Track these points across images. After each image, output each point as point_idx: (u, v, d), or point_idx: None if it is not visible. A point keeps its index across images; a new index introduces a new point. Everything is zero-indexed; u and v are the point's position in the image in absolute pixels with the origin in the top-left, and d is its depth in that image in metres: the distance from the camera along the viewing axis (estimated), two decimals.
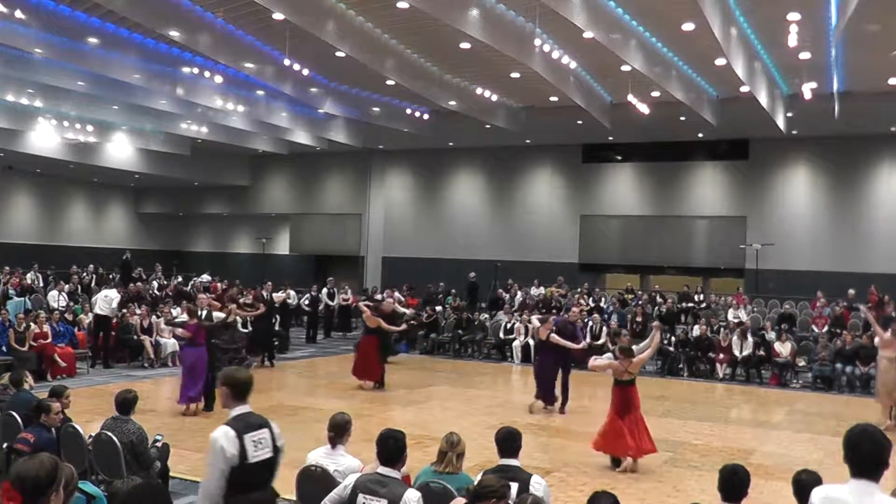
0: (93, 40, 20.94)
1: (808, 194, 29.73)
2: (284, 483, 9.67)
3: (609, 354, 17.76)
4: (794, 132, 27.41)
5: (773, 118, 24.37)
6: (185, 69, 23.49)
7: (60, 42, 20.56)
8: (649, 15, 19.19)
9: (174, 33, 19.84)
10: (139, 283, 26.91)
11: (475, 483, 5.62)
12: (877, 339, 16.79)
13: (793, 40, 18.69)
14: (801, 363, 21.62)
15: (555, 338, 15.94)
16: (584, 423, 14.69)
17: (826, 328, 23.66)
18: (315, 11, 18.95)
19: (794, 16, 17.86)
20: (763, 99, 22.98)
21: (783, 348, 21.39)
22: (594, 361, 13.20)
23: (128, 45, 21.77)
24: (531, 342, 24.26)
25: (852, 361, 20.80)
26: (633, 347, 12.82)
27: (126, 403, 8.46)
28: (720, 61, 20.56)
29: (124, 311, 22.05)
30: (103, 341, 20.76)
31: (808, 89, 21.86)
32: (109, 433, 8.12)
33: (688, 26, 18.87)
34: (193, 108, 26.91)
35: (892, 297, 24.58)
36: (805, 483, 5.66)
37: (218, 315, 15.58)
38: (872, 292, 24.84)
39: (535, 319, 17.58)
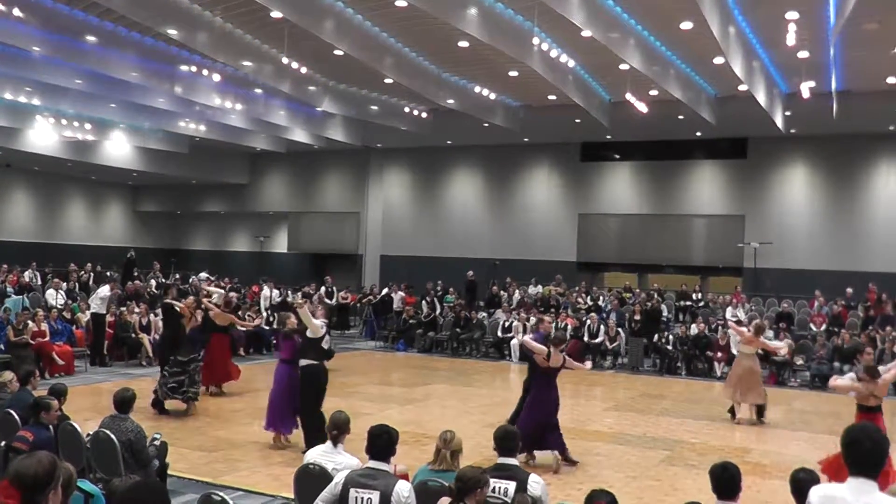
0: (91, 38, 20.91)
1: (806, 193, 29.73)
2: (282, 482, 9.73)
3: (850, 376, 12.33)
4: (793, 131, 27.40)
5: (771, 117, 24.37)
6: (184, 67, 23.49)
7: (58, 40, 20.53)
8: (648, 14, 19.19)
9: (172, 31, 19.83)
10: (137, 282, 26.90)
11: (454, 480, 5.64)
12: (738, 337, 17.25)
13: (791, 39, 18.68)
14: (799, 362, 21.65)
15: (570, 363, 12.04)
16: (581, 421, 14.70)
17: (824, 327, 23.73)
18: (313, 10, 18.94)
19: (792, 14, 17.86)
20: (761, 98, 22.97)
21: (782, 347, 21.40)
22: (835, 381, 10.97)
23: (126, 44, 21.74)
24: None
25: (850, 360, 20.81)
26: (880, 367, 10.84)
27: (124, 402, 8.50)
28: (718, 60, 20.57)
29: (122, 308, 22.07)
30: (95, 339, 20.74)
31: (806, 88, 21.85)
32: (108, 432, 8.13)
33: (686, 25, 18.88)
34: (191, 106, 26.91)
35: (890, 296, 24.63)
36: (803, 482, 5.67)
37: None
38: (871, 291, 24.90)
39: (533, 343, 12.26)
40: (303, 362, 12.08)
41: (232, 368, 17.25)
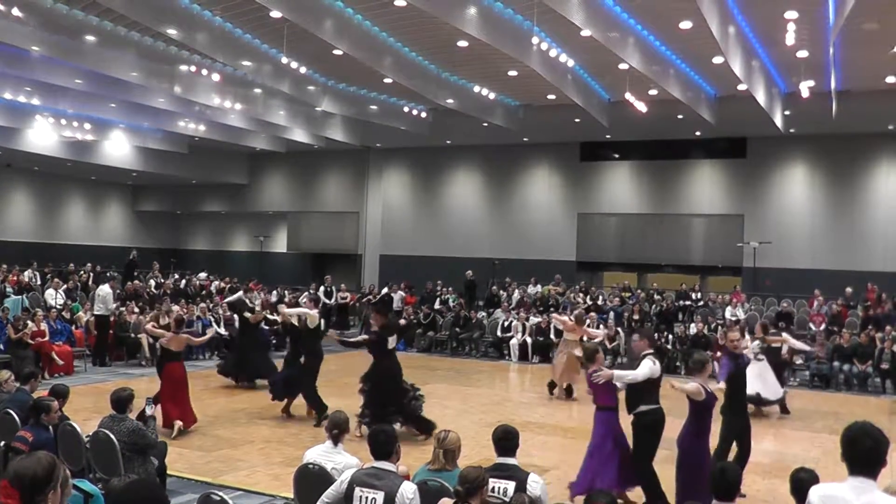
0: (90, 38, 20.91)
1: (805, 192, 29.74)
2: (282, 481, 9.74)
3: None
4: (792, 130, 27.41)
5: (770, 116, 24.37)
6: (183, 67, 23.49)
7: (58, 40, 20.52)
8: (647, 13, 19.19)
9: (172, 31, 19.84)
10: (137, 282, 26.92)
11: (457, 483, 5.68)
12: (560, 325, 18.93)
13: (790, 39, 18.71)
14: (799, 361, 21.62)
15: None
16: (582, 420, 14.69)
17: (823, 326, 23.71)
18: (313, 9, 18.95)
19: (791, 14, 17.88)
20: (761, 97, 22.98)
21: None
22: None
23: (125, 43, 21.75)
24: (528, 340, 24.30)
25: (850, 359, 20.83)
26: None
27: (121, 401, 8.51)
28: (718, 59, 20.57)
29: (122, 309, 22.08)
30: (97, 339, 20.75)
31: (805, 88, 21.86)
32: (107, 431, 8.14)
33: (685, 25, 18.89)
34: (191, 106, 26.89)
35: (889, 295, 24.65)
36: (803, 481, 5.69)
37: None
38: (870, 290, 24.91)
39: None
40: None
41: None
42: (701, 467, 8.43)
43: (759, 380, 15.75)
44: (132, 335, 21.31)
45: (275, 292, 27.46)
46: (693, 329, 23.36)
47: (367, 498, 5.79)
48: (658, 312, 25.60)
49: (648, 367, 9.48)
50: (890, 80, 22.93)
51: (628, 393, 9.63)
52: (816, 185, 29.57)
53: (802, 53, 20.51)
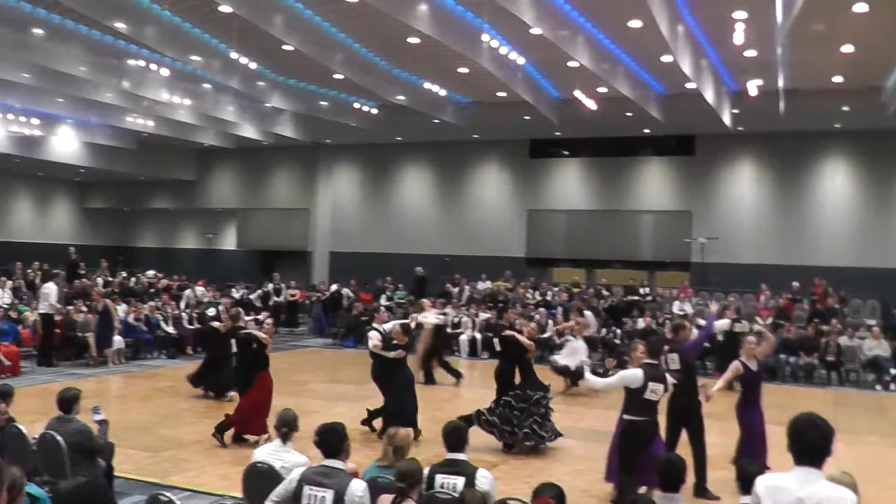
0: (38, 32, 20.61)
1: (753, 189, 30.12)
2: (230, 481, 9.68)
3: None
4: (740, 128, 27.73)
5: (719, 114, 24.65)
6: (132, 62, 23.21)
7: (4, 33, 20.15)
8: (597, 12, 19.31)
9: (120, 25, 19.60)
10: (84, 280, 26.55)
11: (395, 478, 5.73)
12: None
13: (739, 38, 18.90)
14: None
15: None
16: None
17: (770, 320, 24.02)
18: (262, 4, 18.84)
19: (740, 14, 18.07)
20: (709, 95, 23.22)
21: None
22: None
23: (73, 37, 21.46)
24: (478, 336, 24.36)
25: (796, 352, 21.20)
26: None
27: (67, 402, 8.36)
28: (667, 58, 20.74)
29: (69, 307, 21.78)
30: (42, 339, 20.44)
31: (753, 86, 22.13)
32: (54, 433, 8.03)
33: (635, 23, 19.02)
34: (140, 101, 26.54)
35: (836, 290, 25.08)
36: (749, 472, 5.77)
37: None
38: (817, 284, 25.33)
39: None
40: None
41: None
42: (752, 431, 10.69)
43: (574, 356, 17.79)
44: (79, 334, 21.01)
45: (234, 291, 27.19)
46: (641, 324, 23.58)
47: (316, 496, 5.78)
48: (607, 308, 25.81)
49: (619, 375, 9.78)
50: (837, 79, 23.27)
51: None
52: (764, 181, 29.96)
53: (751, 53, 20.75)
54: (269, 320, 14.78)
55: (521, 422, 12.35)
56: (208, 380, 16.78)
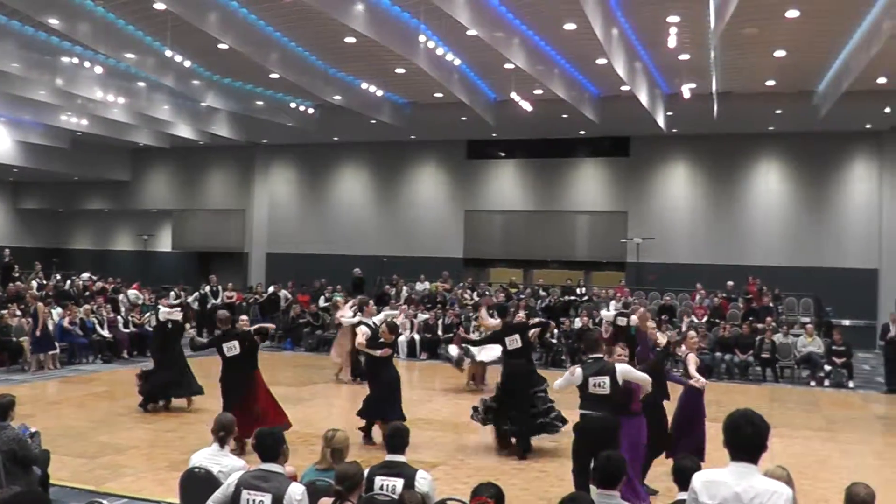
0: None
1: (687, 190, 30.54)
2: (168, 486, 9.58)
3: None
4: (674, 130, 28.12)
5: (653, 116, 24.94)
6: (65, 59, 22.78)
7: None
8: (532, 14, 19.44)
9: (53, 21, 19.21)
10: (18, 283, 25.99)
11: (335, 481, 5.72)
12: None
13: (672, 42, 19.17)
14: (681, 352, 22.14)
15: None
16: (465, 414, 14.72)
17: (705, 318, 24.34)
18: (197, 2, 18.67)
19: (673, 18, 18.32)
20: (643, 98, 23.48)
21: (662, 338, 21.85)
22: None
23: (5, 33, 21.00)
24: (416, 337, 24.36)
25: (731, 350, 21.54)
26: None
27: (2, 408, 8.14)
28: (601, 61, 20.95)
29: (3, 312, 21.29)
30: None
31: (687, 89, 22.43)
32: None
33: (570, 26, 19.20)
34: (73, 99, 26.03)
35: (770, 288, 25.51)
36: (686, 468, 5.85)
37: None
38: (751, 283, 25.73)
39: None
40: None
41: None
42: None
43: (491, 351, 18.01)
44: (14, 339, 20.53)
45: (173, 293, 26.79)
46: (578, 323, 23.76)
47: (254, 500, 5.74)
48: (544, 307, 25.96)
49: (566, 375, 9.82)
50: (769, 82, 23.71)
51: None
52: (698, 182, 30.40)
53: (684, 56, 21.05)
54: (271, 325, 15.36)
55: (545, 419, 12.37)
56: (157, 389, 15.70)
